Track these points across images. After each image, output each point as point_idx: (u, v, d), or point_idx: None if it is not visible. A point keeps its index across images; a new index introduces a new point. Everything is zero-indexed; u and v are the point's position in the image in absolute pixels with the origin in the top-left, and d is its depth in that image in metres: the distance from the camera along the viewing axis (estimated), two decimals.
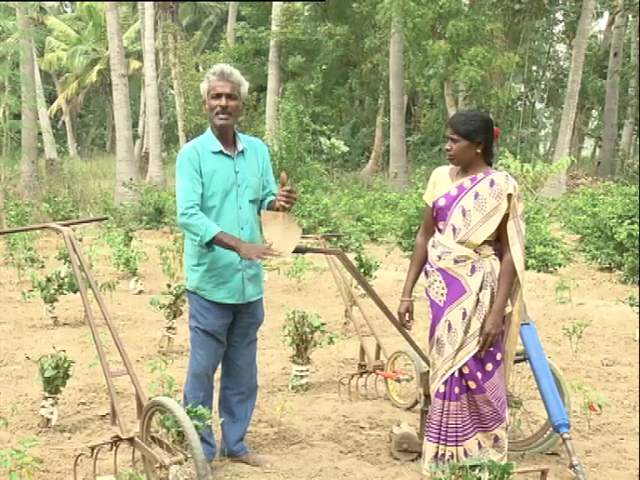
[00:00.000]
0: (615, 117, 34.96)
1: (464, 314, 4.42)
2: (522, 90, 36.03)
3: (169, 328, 7.79)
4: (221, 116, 4.56)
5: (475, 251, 4.43)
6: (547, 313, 9.86)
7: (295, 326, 6.53)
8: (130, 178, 22.78)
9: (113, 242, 13.50)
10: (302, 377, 6.60)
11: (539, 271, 13.12)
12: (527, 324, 4.97)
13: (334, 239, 14.88)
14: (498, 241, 4.49)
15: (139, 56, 39.60)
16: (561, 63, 43.52)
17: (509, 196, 4.39)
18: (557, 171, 23.20)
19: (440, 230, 4.55)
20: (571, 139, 30.64)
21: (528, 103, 41.14)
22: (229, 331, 4.78)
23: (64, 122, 45.34)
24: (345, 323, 8.73)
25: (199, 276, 4.65)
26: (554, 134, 39.38)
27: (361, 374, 6.47)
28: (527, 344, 4.94)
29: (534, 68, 40.84)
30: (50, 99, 43.81)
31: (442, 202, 4.52)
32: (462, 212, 4.44)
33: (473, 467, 3.51)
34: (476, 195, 4.44)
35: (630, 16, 35.44)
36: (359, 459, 5.10)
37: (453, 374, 4.46)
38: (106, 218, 5.77)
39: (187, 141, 29.51)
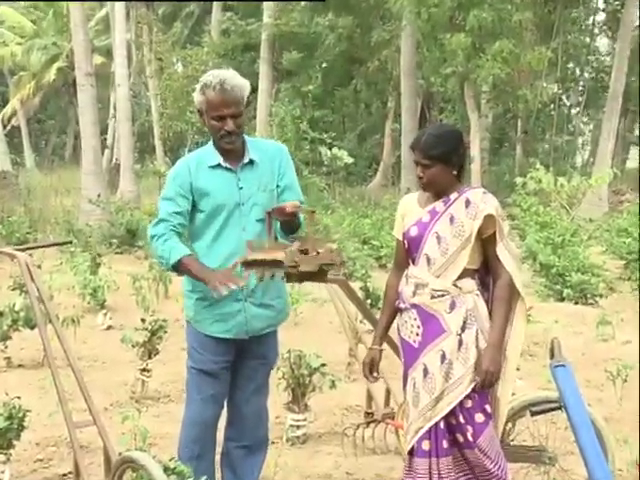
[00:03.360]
0: None
1: (443, 357, 4.38)
2: (556, 91, 36.21)
3: (143, 370, 7.78)
4: (227, 140, 4.53)
5: (455, 285, 4.42)
6: (586, 352, 9.85)
7: (291, 367, 6.52)
8: (98, 194, 22.80)
9: (77, 269, 13.47)
10: (299, 427, 6.59)
11: (576, 303, 13.12)
12: (562, 365, 4.97)
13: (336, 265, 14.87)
14: (484, 273, 4.51)
15: (108, 52, 39.75)
16: (602, 59, 43.69)
17: (489, 217, 4.39)
18: (597, 186, 23.29)
19: (414, 261, 4.54)
20: (614, 148, 30.73)
21: (563, 106, 41.29)
22: (234, 371, 4.75)
23: (19, 128, 45.35)
24: (349, 364, 8.72)
25: (193, 304, 4.67)
26: (594, 142, 39.49)
27: (368, 424, 6.45)
28: (563, 389, 4.94)
29: (570, 65, 41.02)
30: (3, 101, 43.96)
31: (414, 232, 4.50)
32: (437, 239, 4.43)
33: None
34: (452, 219, 4.42)
35: None
36: None
37: (437, 426, 4.42)
38: (70, 242, 5.80)
39: (164, 151, 29.50)
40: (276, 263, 4.14)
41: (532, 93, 28.12)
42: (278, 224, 4.52)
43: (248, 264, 4.19)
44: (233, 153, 4.61)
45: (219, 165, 4.59)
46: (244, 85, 4.54)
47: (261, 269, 4.17)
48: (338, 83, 37.67)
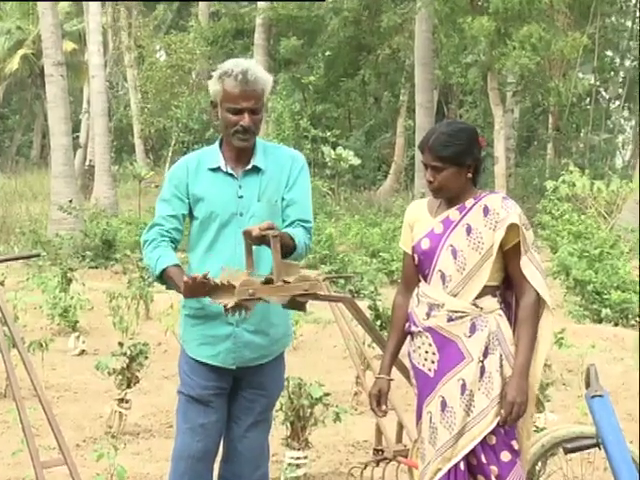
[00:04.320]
0: None
1: (463, 387, 4.35)
2: (592, 82, 36.23)
3: (121, 401, 7.76)
4: (241, 137, 4.52)
5: (474, 305, 4.40)
6: (627, 382, 9.83)
7: (289, 398, 6.52)
8: (69, 200, 22.80)
9: (46, 286, 13.48)
10: (299, 466, 6.57)
11: (616, 325, 13.10)
12: (600, 396, 4.96)
13: (341, 281, 14.88)
14: (505, 289, 4.50)
15: (80, 38, 39.81)
16: None
17: (512, 227, 4.35)
18: None
19: (425, 279, 4.51)
20: None
21: (600, 100, 41.31)
22: (231, 401, 4.76)
23: None
24: (356, 393, 8.72)
25: (183, 321, 4.71)
26: (636, 141, 39.53)
27: (377, 462, 6.43)
28: (600, 424, 4.92)
29: (609, 53, 41.04)
30: None
31: (425, 244, 4.48)
32: (452, 253, 4.40)
33: None
34: (469, 229, 4.41)
35: None
36: None
37: (457, 467, 4.39)
38: (37, 255, 5.81)
39: (145, 151, 29.49)
40: (230, 291, 4.12)
41: (565, 85, 28.13)
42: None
43: (211, 290, 4.20)
44: (239, 157, 4.62)
45: (219, 169, 4.61)
46: (267, 79, 4.56)
47: (218, 297, 4.16)
48: (343, 74, 37.67)
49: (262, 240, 4.18)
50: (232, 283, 4.08)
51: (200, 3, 40.37)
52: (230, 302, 4.08)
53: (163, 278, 4.45)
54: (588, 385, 4.98)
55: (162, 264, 4.42)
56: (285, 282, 4.16)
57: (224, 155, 4.62)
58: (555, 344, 9.08)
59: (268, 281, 4.20)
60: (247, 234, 4.21)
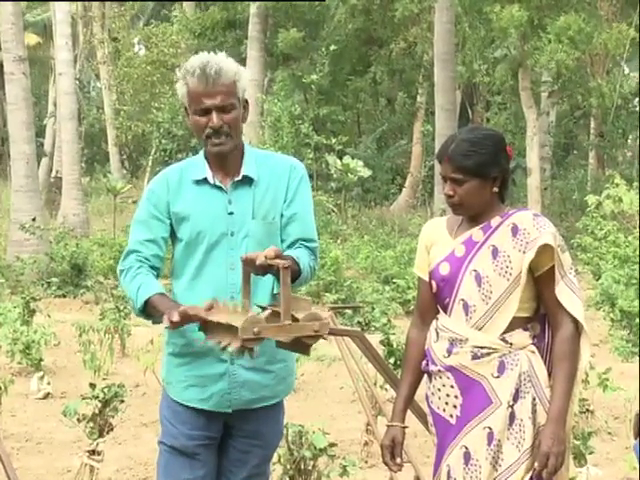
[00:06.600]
0: None
1: (490, 436, 4.32)
2: None
3: (92, 453, 7.75)
4: (215, 140, 4.48)
5: (503, 340, 4.36)
6: None
7: (289, 448, 6.51)
8: (32, 218, 22.82)
9: (5, 318, 13.50)
10: None
11: None
12: None
13: (348, 312, 14.88)
14: (536, 321, 4.46)
15: (45, 29, 39.90)
16: None
17: (545, 248, 4.32)
18: None
19: (445, 309, 4.49)
20: None
21: None
22: (221, 453, 4.72)
23: None
24: (366, 443, 8.71)
25: (166, 361, 4.66)
26: None
27: None
28: None
29: None
30: None
31: (445, 269, 4.45)
32: (476, 279, 4.38)
33: None
34: (495, 252, 4.38)
35: None
36: None
37: None
38: None
39: (121, 160, 29.49)
40: (232, 331, 4.03)
41: (609, 84, 28.14)
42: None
43: (206, 326, 4.16)
44: (224, 165, 4.58)
45: (205, 180, 4.57)
46: (237, 70, 4.48)
47: (217, 336, 4.11)
48: (351, 71, 37.77)
49: (267, 270, 4.13)
50: (231, 323, 3.99)
51: None
52: (234, 343, 3.99)
53: (147, 311, 4.39)
54: (637, 435, 4.98)
55: (144, 294, 4.36)
56: (294, 319, 4.08)
57: (210, 165, 4.58)
58: (599, 386, 9.07)
59: (274, 315, 4.12)
60: (248, 262, 4.15)
